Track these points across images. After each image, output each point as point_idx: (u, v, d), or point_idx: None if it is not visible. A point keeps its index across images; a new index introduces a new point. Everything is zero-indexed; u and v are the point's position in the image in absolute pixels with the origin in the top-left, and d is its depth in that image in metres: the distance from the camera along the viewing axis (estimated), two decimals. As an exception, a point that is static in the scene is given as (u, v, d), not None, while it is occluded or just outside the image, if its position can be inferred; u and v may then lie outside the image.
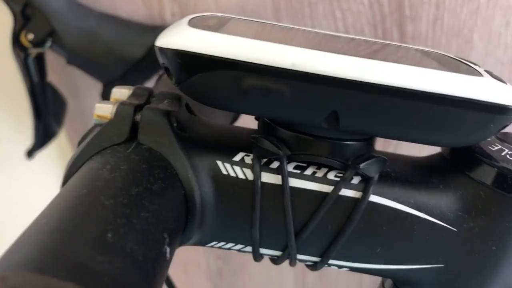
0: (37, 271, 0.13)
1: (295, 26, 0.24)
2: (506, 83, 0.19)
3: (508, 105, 0.18)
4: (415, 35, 0.43)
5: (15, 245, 0.15)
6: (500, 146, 0.22)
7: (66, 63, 0.48)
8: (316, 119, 0.19)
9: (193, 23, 0.20)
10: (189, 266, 0.76)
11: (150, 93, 0.23)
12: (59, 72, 0.62)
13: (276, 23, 0.24)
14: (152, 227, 0.17)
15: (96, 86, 0.50)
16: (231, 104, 0.20)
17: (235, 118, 0.37)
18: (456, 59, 0.22)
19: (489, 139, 0.23)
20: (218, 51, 0.18)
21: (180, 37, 0.18)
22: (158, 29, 0.46)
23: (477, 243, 0.21)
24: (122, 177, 0.19)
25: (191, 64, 0.19)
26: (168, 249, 0.18)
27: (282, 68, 0.18)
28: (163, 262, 0.17)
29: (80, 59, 0.48)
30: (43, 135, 0.53)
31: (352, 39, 0.23)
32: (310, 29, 0.24)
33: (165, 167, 0.21)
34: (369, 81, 0.18)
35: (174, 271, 0.78)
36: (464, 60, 0.22)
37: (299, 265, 0.24)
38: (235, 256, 0.70)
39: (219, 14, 0.24)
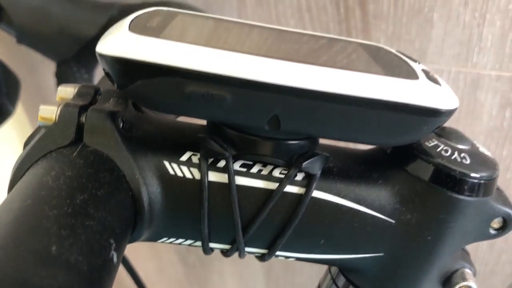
0: None
1: (243, 21, 0.24)
2: (440, 84, 0.20)
3: (441, 109, 0.19)
4: (377, 14, 0.43)
5: None
6: (436, 142, 0.23)
7: (16, 42, 0.46)
8: (258, 123, 0.20)
9: (134, 26, 0.20)
10: (157, 239, 0.77)
11: (96, 92, 0.23)
12: (14, 50, 0.60)
13: (223, 18, 0.24)
14: (98, 234, 0.18)
15: (53, 63, 0.48)
16: (174, 108, 0.20)
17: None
18: (396, 56, 0.23)
19: None
20: (157, 58, 0.18)
21: (119, 44, 0.18)
22: (111, 7, 0.44)
23: (414, 233, 0.23)
24: (67, 185, 0.19)
25: (131, 71, 0.19)
26: (115, 254, 0.18)
27: (222, 75, 0.18)
28: (110, 268, 0.18)
29: (31, 38, 0.47)
30: (-3, 115, 0.52)
31: (299, 36, 0.23)
32: (257, 25, 0.24)
33: (111, 169, 0.21)
34: (305, 88, 0.18)
35: (142, 246, 0.79)
36: (405, 57, 0.23)
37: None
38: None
39: (165, 9, 0.23)
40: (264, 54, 0.19)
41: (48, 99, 0.23)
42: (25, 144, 0.22)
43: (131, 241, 0.23)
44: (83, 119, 0.21)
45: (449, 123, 0.48)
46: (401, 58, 0.22)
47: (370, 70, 0.19)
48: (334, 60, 0.20)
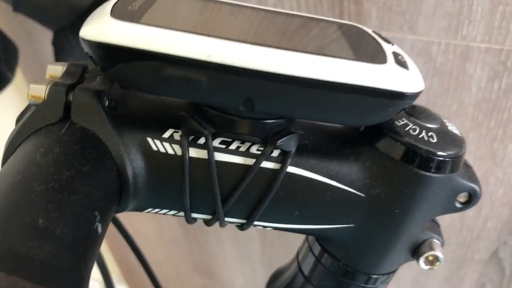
0: None
1: (222, 1, 0.25)
2: (407, 68, 0.21)
3: (405, 92, 0.20)
4: (370, -15, 0.43)
5: None
6: (405, 121, 0.24)
7: (12, 11, 0.47)
8: (234, 104, 0.21)
9: (115, 10, 0.20)
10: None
11: (83, 70, 0.24)
12: (11, 17, 0.60)
13: None
14: (83, 208, 0.19)
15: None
16: (153, 90, 0.21)
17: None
18: (371, 38, 0.23)
19: None
20: (135, 43, 0.19)
21: (101, 30, 0.19)
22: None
23: (382, 206, 0.24)
24: (54, 161, 0.20)
25: (111, 55, 0.20)
26: (99, 225, 0.20)
27: (198, 60, 0.19)
28: (94, 239, 0.20)
29: (27, 6, 0.47)
30: (-5, 82, 0.53)
31: (279, 17, 0.24)
32: (237, 4, 0.24)
33: (97, 146, 0.22)
34: (277, 72, 0.19)
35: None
36: (379, 38, 0.23)
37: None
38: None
39: None
40: (237, 39, 0.20)
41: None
42: (17, 121, 0.23)
43: (117, 212, 0.24)
44: (70, 97, 0.22)
45: (439, 94, 0.49)
46: (375, 40, 0.23)
47: (340, 55, 0.20)
48: (306, 44, 0.21)
